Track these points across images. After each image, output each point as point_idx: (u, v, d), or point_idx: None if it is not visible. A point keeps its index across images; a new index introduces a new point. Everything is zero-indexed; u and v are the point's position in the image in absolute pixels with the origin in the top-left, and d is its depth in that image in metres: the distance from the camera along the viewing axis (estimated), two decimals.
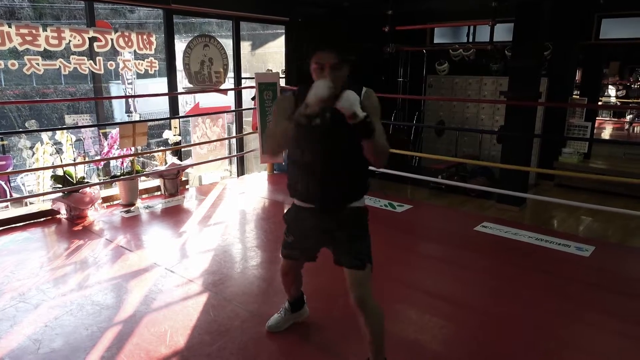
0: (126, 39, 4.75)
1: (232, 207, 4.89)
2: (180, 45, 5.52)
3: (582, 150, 6.74)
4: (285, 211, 2.18)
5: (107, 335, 2.54)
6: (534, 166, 6.38)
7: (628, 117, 12.73)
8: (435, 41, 7.67)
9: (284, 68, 6.50)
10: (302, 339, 2.53)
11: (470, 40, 7.28)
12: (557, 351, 2.48)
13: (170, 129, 5.30)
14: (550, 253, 3.77)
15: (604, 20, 6.14)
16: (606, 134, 11.43)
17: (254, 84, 5.59)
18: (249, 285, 3.15)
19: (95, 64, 4.59)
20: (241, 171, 6.39)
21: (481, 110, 7.15)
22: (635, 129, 11.91)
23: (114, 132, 4.76)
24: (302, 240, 2.14)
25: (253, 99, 5.87)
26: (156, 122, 6.67)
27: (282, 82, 6.35)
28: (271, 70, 6.00)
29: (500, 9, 5.18)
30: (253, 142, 6.47)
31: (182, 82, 5.61)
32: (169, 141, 5.32)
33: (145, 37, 4.90)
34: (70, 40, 4.35)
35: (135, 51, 4.90)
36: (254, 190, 5.56)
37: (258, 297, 3.01)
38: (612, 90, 13.21)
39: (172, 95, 5.42)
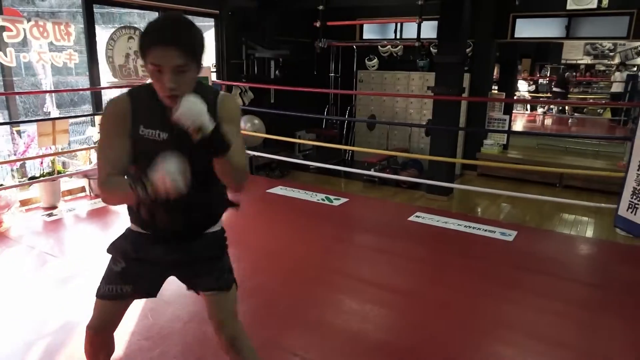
0: (41, 28, 4.39)
1: None
2: (100, 37, 5.21)
3: (502, 141, 7.22)
4: (114, 239, 1.68)
5: (37, 347, 2.36)
6: (459, 158, 6.73)
7: (539, 110, 13.79)
8: (364, 37, 7.84)
9: (214, 62, 6.34)
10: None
11: (398, 36, 7.52)
12: (492, 330, 2.65)
13: (94, 125, 4.98)
14: (478, 239, 4.01)
15: (518, 20, 6.59)
16: (519, 126, 12.31)
17: None
18: None
19: (6, 56, 4.21)
20: None
21: (410, 104, 7.42)
22: (546, 121, 12.94)
23: (31, 130, 4.40)
24: (140, 270, 1.60)
25: None
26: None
27: (214, 77, 6.20)
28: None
29: (426, 7, 5.39)
30: None
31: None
32: (92, 139, 5.01)
33: (62, 27, 4.56)
34: None
35: (51, 42, 4.55)
36: None
37: (200, 297, 2.93)
38: (524, 86, 14.25)
39: (95, 90, 5.10)
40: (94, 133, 4.94)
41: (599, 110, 13.16)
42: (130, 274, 1.60)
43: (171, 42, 1.27)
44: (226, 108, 1.48)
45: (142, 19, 6.82)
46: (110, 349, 1.77)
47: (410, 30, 7.28)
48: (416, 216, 4.52)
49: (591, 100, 12.81)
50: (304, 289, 3.09)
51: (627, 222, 3.42)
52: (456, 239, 4.02)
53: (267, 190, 5.21)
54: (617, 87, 12.24)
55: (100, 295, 1.62)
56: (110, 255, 1.66)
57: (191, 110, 1.22)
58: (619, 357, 2.45)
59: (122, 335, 2.46)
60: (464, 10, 5.14)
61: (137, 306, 2.76)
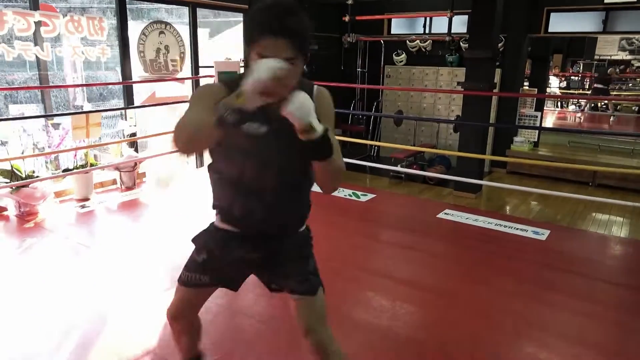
0: (76, 23, 4.49)
1: (193, 199, 4.76)
2: (131, 32, 5.29)
3: (532, 139, 7.05)
4: (200, 232, 1.65)
5: (72, 336, 2.41)
6: (489, 155, 6.61)
7: (570, 107, 13.43)
8: (392, 32, 7.75)
9: (242, 57, 6.36)
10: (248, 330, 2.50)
11: (427, 31, 7.41)
12: (524, 331, 2.59)
13: (125, 119, 5.07)
14: (510, 237, 3.92)
15: (552, 14, 6.41)
16: (550, 124, 12.01)
17: (212, 73, 5.44)
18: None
19: (43, 50, 4.31)
20: (200, 162, 6.23)
21: (438, 100, 7.31)
22: (578, 118, 12.58)
23: (65, 123, 4.50)
24: (222, 265, 1.57)
25: None
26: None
27: (242, 71, 6.23)
28: (230, 59, 5.85)
29: (457, 0, 5.29)
30: None
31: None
32: (124, 132, 5.10)
33: (96, 22, 4.64)
34: (13, 24, 4.05)
35: (84, 37, 4.64)
36: None
37: (226, 290, 2.95)
38: (555, 82, 13.89)
39: (127, 84, 5.18)
40: (125, 126, 5.02)
41: (633, 108, 12.74)
42: (211, 267, 1.59)
43: (282, 33, 1.18)
44: (323, 104, 1.38)
45: (169, 15, 6.89)
46: (194, 335, 1.82)
47: (439, 24, 7.16)
48: (445, 213, 4.46)
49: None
50: (334, 286, 3.06)
51: None
52: (487, 237, 3.95)
53: None
54: (600, 82, 11.84)
55: (181, 281, 1.64)
56: (193, 245, 1.65)
57: (303, 107, 1.13)
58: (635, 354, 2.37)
59: (152, 327, 2.50)
60: (496, 3, 5.02)
61: (169, 297, 2.79)
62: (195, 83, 5.93)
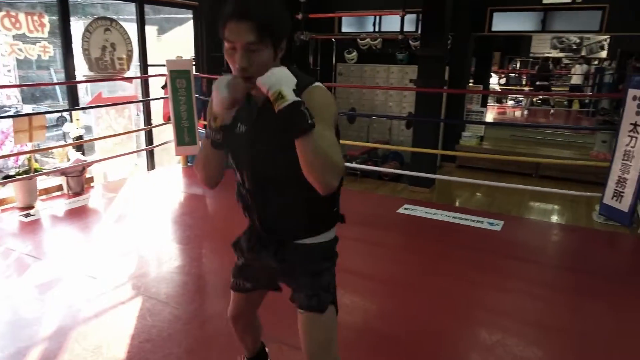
0: (13, 19, 4.18)
1: (148, 203, 4.58)
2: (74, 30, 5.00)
3: (479, 133, 7.35)
4: (236, 238, 1.62)
5: (31, 356, 2.25)
6: (440, 150, 6.82)
7: (509, 103, 14.11)
8: (343, 30, 7.81)
9: (194, 55, 6.19)
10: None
11: (377, 30, 7.52)
12: (484, 317, 2.69)
13: (72, 121, 4.79)
14: (467, 229, 4.06)
15: (495, 14, 6.70)
16: (490, 119, 12.57)
17: (163, 72, 5.25)
18: (184, 285, 2.98)
19: None
20: (151, 165, 6.00)
21: (389, 97, 7.45)
22: (516, 113, 13.24)
23: (6, 126, 4.19)
24: (255, 268, 1.56)
25: (164, 87, 5.53)
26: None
27: (194, 70, 6.05)
28: (181, 57, 5.67)
29: (409, 0, 5.41)
30: (163, 133, 6.10)
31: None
32: (69, 135, 4.82)
33: (36, 17, 4.35)
34: None
35: (24, 34, 4.33)
36: (169, 184, 5.26)
37: (196, 295, 2.87)
38: (494, 78, 14.56)
39: (71, 84, 4.90)
40: (71, 129, 4.75)
41: (564, 102, 13.58)
42: (248, 271, 1.59)
43: (243, 16, 1.14)
44: (311, 98, 1.21)
45: (106, 10, 6.57)
46: (255, 334, 1.85)
47: (388, 23, 7.30)
48: (405, 208, 4.55)
49: (562, 92, 13.18)
50: None
51: (612, 209, 3.54)
52: (447, 230, 4.07)
53: None
54: (576, 80, 12.68)
55: (230, 286, 1.67)
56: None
57: (274, 74, 1.11)
58: (605, 338, 2.53)
59: (121, 338, 2.38)
60: (446, 3, 5.18)
61: (134, 307, 2.67)
62: (144, 83, 5.70)
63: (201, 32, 6.15)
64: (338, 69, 7.73)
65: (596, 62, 13.41)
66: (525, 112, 13.07)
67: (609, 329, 2.62)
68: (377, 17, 7.43)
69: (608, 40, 12.55)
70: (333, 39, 7.54)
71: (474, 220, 4.23)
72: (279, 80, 1.11)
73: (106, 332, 2.44)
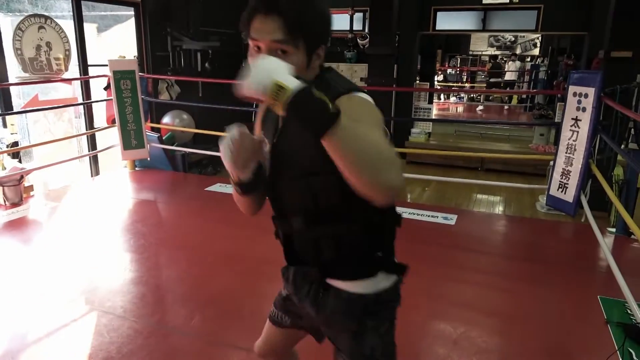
0: None
1: (95, 211, 4.33)
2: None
3: (427, 129, 7.55)
4: None
5: None
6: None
7: (452, 99, 14.61)
8: None
9: (136, 54, 5.93)
10: (225, 346, 2.38)
11: None
12: (449, 311, 2.76)
13: (5, 127, 4.44)
14: (424, 225, 4.15)
15: (438, 13, 6.90)
16: (434, 115, 12.95)
17: (106, 73, 4.99)
18: (142, 297, 2.83)
19: None
20: (95, 171, 5.70)
21: None
22: (458, 108, 13.74)
23: None
24: (298, 307, 1.27)
25: (106, 88, 5.25)
26: None
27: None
28: (124, 57, 5.42)
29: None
30: (107, 137, 5.80)
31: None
32: (3, 141, 4.47)
33: None
34: None
35: None
36: (116, 190, 5.01)
37: (156, 307, 2.74)
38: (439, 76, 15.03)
39: (4, 86, 4.54)
40: (5, 135, 4.40)
41: (503, 99, 14.25)
42: (290, 304, 1.31)
43: (271, 8, 0.95)
44: (345, 107, 0.88)
45: (34, 7, 6.16)
46: None
47: (336, 21, 7.32)
48: None
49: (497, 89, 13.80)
50: (265, 287, 3.01)
51: (558, 200, 3.73)
52: (404, 226, 4.12)
53: (206, 189, 4.99)
54: (510, 76, 13.37)
55: (268, 315, 1.43)
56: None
57: (259, 68, 0.81)
58: (564, 323, 2.66)
59: (77, 358, 2.23)
60: (393, 3, 5.26)
61: (88, 324, 2.51)
62: (85, 84, 5.39)
63: (144, 30, 5.90)
64: None
65: (528, 59, 14.17)
66: (479, 108, 13.59)
67: (567, 314, 2.75)
68: None
69: (540, 38, 13.28)
70: None
71: (429, 216, 4.32)
72: (268, 70, 0.81)
73: (60, 353, 2.28)
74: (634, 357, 2.18)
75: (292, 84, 0.80)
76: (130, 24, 6.00)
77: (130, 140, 5.09)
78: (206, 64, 6.47)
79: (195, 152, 5.80)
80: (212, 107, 5.96)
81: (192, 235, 3.81)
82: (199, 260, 3.34)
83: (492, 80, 13.38)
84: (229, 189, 4.96)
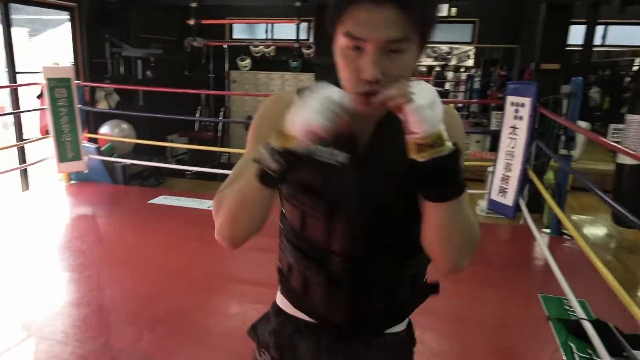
0: None
1: (29, 229, 4.04)
2: None
3: None
4: (260, 317, 1.11)
5: None
6: None
7: None
8: (234, 37, 7.68)
9: (72, 60, 5.63)
10: None
11: (269, 37, 7.52)
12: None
13: None
14: None
15: None
16: None
17: (38, 80, 4.69)
18: (85, 319, 2.66)
19: None
20: (25, 185, 5.33)
21: None
22: None
23: None
24: None
25: (39, 97, 4.93)
26: None
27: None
28: (58, 64, 5.12)
29: (302, 8, 5.48)
30: (39, 149, 5.45)
31: None
32: None
33: None
34: None
35: None
36: (51, 205, 4.70)
37: (100, 329, 2.58)
38: None
39: None
40: None
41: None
42: None
43: None
44: (453, 126, 0.81)
45: None
46: None
47: (280, 30, 7.34)
48: None
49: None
50: (214, 302, 2.93)
51: (498, 204, 3.91)
52: None
53: (149, 202, 4.79)
54: (446, 86, 14.02)
55: None
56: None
57: (435, 106, 0.69)
58: (511, 323, 2.78)
59: None
60: None
61: (26, 352, 2.33)
62: (14, 92, 5.04)
63: (81, 35, 5.62)
64: (232, 76, 7.58)
65: (462, 70, 14.89)
66: None
67: (512, 314, 2.88)
68: (270, 25, 7.44)
69: (474, 50, 13.99)
70: (225, 46, 7.38)
71: None
72: (439, 115, 0.69)
73: None
74: (575, 351, 2.31)
75: (449, 141, 0.70)
76: (65, 28, 5.70)
77: (66, 152, 4.81)
78: (148, 72, 6.26)
79: (137, 163, 5.58)
80: (154, 116, 5.77)
81: (136, 251, 3.64)
82: (144, 277, 3.19)
83: (436, 89, 13.98)
84: (173, 201, 4.80)
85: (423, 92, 0.69)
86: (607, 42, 6.75)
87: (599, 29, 5.66)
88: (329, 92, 0.72)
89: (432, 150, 0.68)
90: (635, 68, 10.99)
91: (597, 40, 5.78)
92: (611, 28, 6.52)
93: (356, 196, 0.85)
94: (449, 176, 0.71)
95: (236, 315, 2.76)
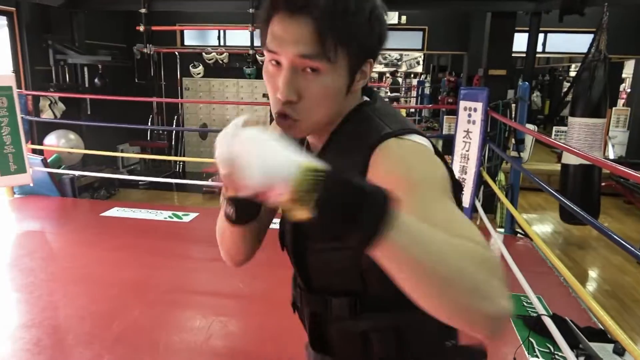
0: None
1: None
2: None
3: None
4: None
5: None
6: None
7: None
8: (186, 43, 7.54)
9: (12, 69, 5.32)
10: None
11: (221, 43, 7.43)
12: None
13: None
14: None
15: None
16: None
17: None
18: (37, 342, 2.50)
19: None
20: None
21: (240, 112, 7.40)
22: None
23: None
24: None
25: None
26: None
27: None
28: None
29: (256, 15, 5.45)
30: None
31: None
32: None
33: None
34: None
35: None
36: None
37: (56, 351, 2.44)
38: None
39: None
40: None
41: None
42: None
43: (298, 5, 0.64)
44: (393, 158, 0.67)
45: None
46: None
47: (233, 37, 7.27)
48: (273, 222, 4.54)
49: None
50: (176, 316, 2.84)
51: None
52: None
53: (101, 214, 4.59)
54: (394, 91, 14.45)
55: None
56: None
57: (250, 149, 0.52)
58: None
59: None
60: None
61: None
62: None
63: (20, 42, 5.33)
64: (184, 83, 7.42)
65: (412, 76, 15.33)
66: None
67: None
68: (222, 31, 7.35)
69: (422, 56, 14.41)
70: (177, 53, 7.22)
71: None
72: (263, 158, 0.50)
73: None
74: (536, 347, 2.40)
75: (319, 165, 0.50)
76: (3, 34, 5.38)
77: (9, 164, 4.53)
78: (96, 80, 6.01)
79: (86, 174, 5.34)
80: (104, 126, 5.55)
81: (90, 267, 3.46)
82: (100, 294, 3.04)
83: (392, 95, 14.27)
84: (127, 213, 4.62)
85: (226, 131, 0.56)
86: (547, 50, 7.13)
87: (540, 37, 5.97)
88: (232, 125, 0.58)
89: (299, 204, 0.49)
90: (572, 74, 11.70)
91: (538, 48, 6.10)
92: (550, 36, 6.90)
93: (289, 234, 0.84)
94: (343, 220, 0.49)
95: (200, 329, 2.68)
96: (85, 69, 6.05)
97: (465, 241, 0.53)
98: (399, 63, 15.56)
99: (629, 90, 10.17)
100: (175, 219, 4.59)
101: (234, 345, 2.54)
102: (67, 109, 5.76)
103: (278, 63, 0.68)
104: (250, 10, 5.26)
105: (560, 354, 2.29)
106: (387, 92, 15.70)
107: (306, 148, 0.80)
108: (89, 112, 6.11)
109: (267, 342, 2.56)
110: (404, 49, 7.86)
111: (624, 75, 10.35)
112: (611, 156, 7.08)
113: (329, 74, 0.67)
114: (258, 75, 7.08)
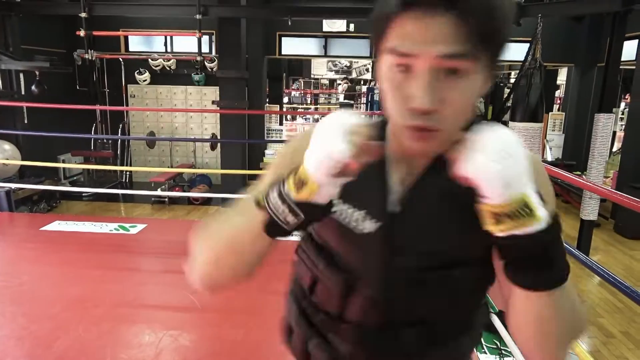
0: None
1: None
2: None
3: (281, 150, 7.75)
4: None
5: None
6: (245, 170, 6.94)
7: (299, 120, 15.25)
8: (131, 49, 7.31)
9: None
10: None
11: (168, 49, 7.26)
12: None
13: None
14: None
15: (283, 39, 7.18)
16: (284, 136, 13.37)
17: None
18: None
19: None
20: None
21: (190, 119, 7.26)
22: (305, 129, 14.38)
23: None
24: None
25: None
26: None
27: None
28: None
29: (203, 21, 5.37)
30: None
31: None
32: None
33: None
34: None
35: None
36: None
37: None
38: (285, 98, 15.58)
39: None
40: None
41: None
42: None
43: (442, 2, 0.55)
44: (539, 177, 0.62)
45: None
46: None
47: (180, 43, 7.13)
48: None
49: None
50: (123, 333, 2.73)
51: None
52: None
53: (42, 228, 4.34)
54: (344, 98, 14.71)
55: None
56: None
57: (508, 156, 0.52)
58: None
59: None
60: (241, 26, 5.32)
61: None
62: None
63: None
64: (130, 90, 7.19)
65: (362, 82, 15.62)
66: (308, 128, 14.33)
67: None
68: (169, 37, 7.19)
69: (371, 64, 14.72)
70: (121, 59, 6.99)
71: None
72: (521, 172, 0.53)
73: None
74: (484, 343, 2.49)
75: (542, 210, 0.53)
76: None
77: None
78: (33, 87, 5.71)
79: (24, 187, 5.05)
80: (42, 135, 5.27)
81: (30, 285, 3.26)
82: (41, 313, 2.87)
83: (345, 101, 14.47)
84: (69, 226, 4.40)
85: (485, 143, 0.53)
86: None
87: None
88: (342, 116, 0.58)
89: (513, 223, 0.52)
90: (512, 80, 12.30)
91: None
92: None
93: (378, 272, 0.68)
94: (541, 259, 0.54)
95: (149, 345, 2.58)
96: (21, 75, 5.73)
97: (577, 299, 0.62)
98: (350, 70, 15.82)
99: (562, 96, 10.81)
100: (122, 231, 4.42)
101: (185, 358, 2.47)
102: (1, 118, 5.43)
103: (407, 68, 0.58)
104: (197, 17, 5.16)
105: (506, 348, 2.38)
106: (337, 99, 15.95)
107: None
108: (25, 121, 5.78)
109: (221, 354, 2.51)
110: (353, 56, 7.98)
111: (558, 82, 10.99)
112: (549, 158, 7.49)
113: (473, 77, 0.58)
114: (207, 82, 6.97)
